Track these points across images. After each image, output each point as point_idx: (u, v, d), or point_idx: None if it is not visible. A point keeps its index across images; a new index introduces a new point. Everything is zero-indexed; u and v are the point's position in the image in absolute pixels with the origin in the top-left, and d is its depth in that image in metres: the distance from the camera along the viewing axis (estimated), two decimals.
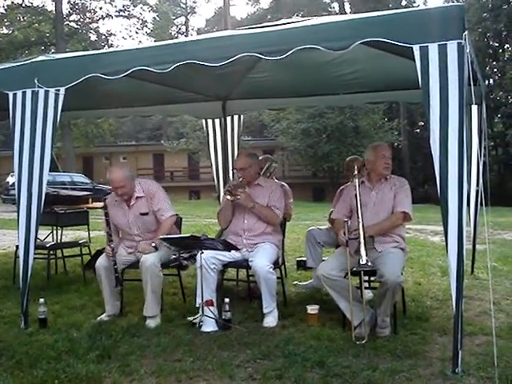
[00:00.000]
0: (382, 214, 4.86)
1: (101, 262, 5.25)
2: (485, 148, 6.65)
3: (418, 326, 4.86)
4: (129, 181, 5.33)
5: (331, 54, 4.01)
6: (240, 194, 5.29)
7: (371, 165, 5.02)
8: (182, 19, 57.83)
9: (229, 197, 5.34)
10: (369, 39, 3.77)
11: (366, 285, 5.32)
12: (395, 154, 34.33)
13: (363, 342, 4.35)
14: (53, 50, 33.46)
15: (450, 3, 3.82)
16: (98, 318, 5.17)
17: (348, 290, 4.60)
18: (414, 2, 41.82)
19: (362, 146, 29.12)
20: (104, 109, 8.58)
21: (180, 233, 5.82)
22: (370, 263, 4.39)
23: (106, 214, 5.40)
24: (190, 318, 4.96)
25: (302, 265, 7.46)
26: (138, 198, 5.38)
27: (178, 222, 6.00)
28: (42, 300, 5.01)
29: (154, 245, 5.16)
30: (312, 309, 5.01)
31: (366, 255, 4.40)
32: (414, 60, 3.70)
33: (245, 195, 5.31)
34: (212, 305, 4.91)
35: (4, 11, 35.55)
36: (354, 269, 4.46)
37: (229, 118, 8.29)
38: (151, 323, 4.98)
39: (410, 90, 6.38)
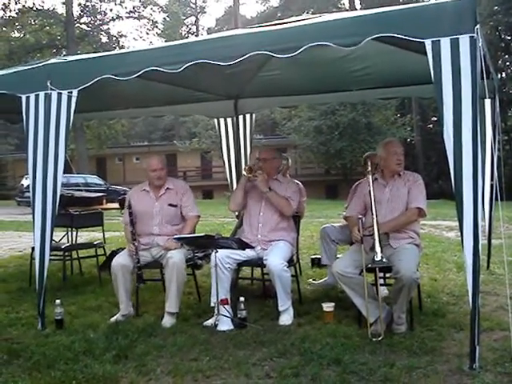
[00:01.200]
0: (397, 210, 4.84)
1: (118, 260, 5.27)
2: (499, 142, 6.60)
3: (434, 322, 4.83)
4: (165, 167, 5.61)
5: (342, 50, 3.99)
6: (258, 176, 5.30)
7: (383, 161, 5.02)
8: (192, 19, 57.97)
9: (246, 173, 5.36)
10: (380, 35, 3.75)
11: (382, 281, 5.31)
12: (408, 149, 34.35)
13: (379, 338, 4.34)
14: (64, 53, 33.62)
15: None
16: (114, 318, 5.19)
17: (363, 287, 4.59)
18: None
19: (375, 142, 28.94)
20: (116, 110, 8.62)
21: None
22: (384, 259, 4.38)
23: (130, 206, 5.44)
24: (205, 323, 4.96)
25: (316, 262, 7.45)
26: (168, 189, 5.59)
27: None
28: (58, 301, 5.04)
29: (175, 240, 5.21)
30: (327, 306, 5.00)
31: (381, 252, 4.39)
32: (425, 55, 3.68)
33: (262, 177, 5.33)
34: (227, 303, 4.91)
35: (15, 15, 35.74)
36: (369, 265, 4.46)
37: (241, 117, 8.28)
38: (167, 322, 4.99)
39: (422, 85, 6.34)
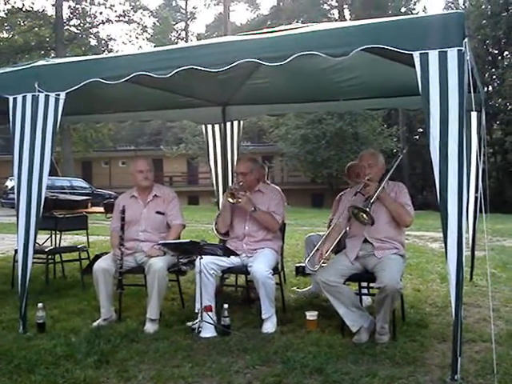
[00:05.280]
0: (382, 220, 4.84)
1: (100, 264, 5.24)
2: (484, 155, 6.65)
3: (417, 332, 4.85)
4: (152, 169, 5.63)
5: (331, 60, 4.02)
6: (241, 197, 5.29)
7: (361, 173, 5.08)
8: (182, 24, 58.05)
9: (230, 199, 5.34)
10: (369, 46, 3.78)
11: (365, 291, 5.33)
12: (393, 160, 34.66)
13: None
14: (53, 55, 33.48)
15: (450, 10, 3.82)
16: (96, 323, 5.15)
17: (347, 296, 4.61)
18: (414, 9, 41.98)
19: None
20: (103, 114, 8.57)
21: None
22: None
23: (123, 212, 5.44)
24: (189, 324, 4.95)
25: (300, 271, 7.46)
26: (155, 196, 5.60)
27: None
28: (40, 305, 5.00)
29: (158, 247, 5.21)
30: (311, 315, 5.00)
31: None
32: (414, 67, 3.71)
33: (246, 198, 5.31)
34: (211, 310, 4.90)
35: (4, 15, 35.57)
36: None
37: (228, 124, 8.28)
38: (150, 328, 4.97)
39: (409, 97, 6.39)
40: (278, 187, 6.33)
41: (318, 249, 5.02)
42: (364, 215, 4.69)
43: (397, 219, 4.86)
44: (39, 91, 4.75)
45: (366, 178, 4.86)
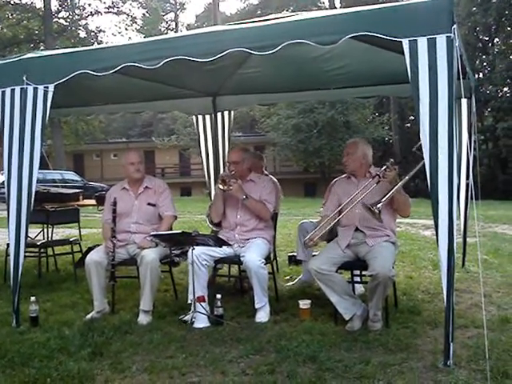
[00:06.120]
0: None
1: (92, 256, 5.23)
2: (475, 142, 6.66)
3: (409, 319, 4.87)
4: (143, 161, 5.62)
5: (321, 48, 4.01)
6: (233, 185, 5.28)
7: None
8: (172, 15, 57.74)
9: (221, 186, 5.33)
10: (358, 33, 3.77)
11: (358, 279, 5.35)
12: (386, 148, 34.53)
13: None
14: (42, 47, 33.25)
15: None
16: (89, 315, 5.15)
17: (339, 285, 4.62)
18: None
19: None
20: (94, 106, 8.53)
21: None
22: None
23: (115, 204, 5.42)
24: (181, 317, 4.96)
25: (293, 260, 7.47)
26: (146, 187, 5.61)
27: None
28: (33, 298, 5.00)
29: (150, 239, 5.20)
30: (304, 303, 5.02)
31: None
32: (403, 54, 3.70)
33: (237, 186, 5.30)
34: (204, 301, 4.91)
35: None
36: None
37: (219, 114, 8.27)
38: (143, 320, 4.97)
39: (400, 84, 6.38)
40: (274, 178, 6.33)
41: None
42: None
43: (399, 210, 4.89)
44: (27, 84, 4.72)
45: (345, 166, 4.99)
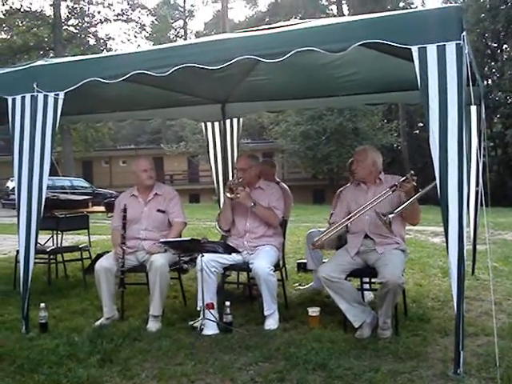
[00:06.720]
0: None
1: (101, 263, 5.24)
2: (484, 148, 6.64)
3: (419, 327, 4.85)
4: (154, 169, 5.62)
5: (330, 55, 4.01)
6: (240, 192, 5.28)
7: None
8: (181, 22, 57.92)
9: (229, 194, 5.33)
10: (367, 41, 3.77)
11: (367, 286, 5.33)
12: (395, 155, 34.44)
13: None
14: (51, 55, 33.45)
15: (448, 4, 3.81)
16: (98, 322, 5.16)
17: (349, 292, 4.61)
18: (412, 4, 41.90)
19: None
20: (103, 113, 8.57)
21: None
22: None
23: (125, 210, 5.43)
24: (191, 323, 4.95)
25: (302, 267, 7.46)
26: (156, 194, 5.61)
27: None
28: (42, 305, 5.01)
29: (159, 244, 5.20)
30: (313, 311, 5.00)
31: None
32: (412, 61, 3.70)
33: (245, 193, 5.30)
34: (213, 308, 4.91)
35: (3, 16, 35.50)
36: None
37: (228, 121, 8.28)
38: (153, 326, 4.97)
39: (409, 91, 6.38)
40: (286, 186, 6.30)
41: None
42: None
43: (409, 219, 4.88)
44: (38, 91, 4.74)
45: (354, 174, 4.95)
